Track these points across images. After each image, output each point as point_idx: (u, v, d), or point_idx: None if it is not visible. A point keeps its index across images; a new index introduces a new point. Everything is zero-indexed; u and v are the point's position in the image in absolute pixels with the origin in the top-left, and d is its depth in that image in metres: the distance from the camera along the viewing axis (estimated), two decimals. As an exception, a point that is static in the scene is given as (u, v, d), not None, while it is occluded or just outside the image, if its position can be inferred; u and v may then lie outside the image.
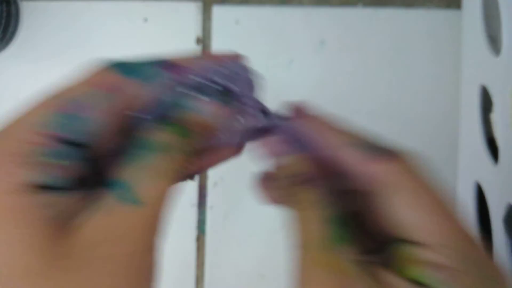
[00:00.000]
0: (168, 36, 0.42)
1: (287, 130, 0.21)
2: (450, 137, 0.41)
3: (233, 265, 0.42)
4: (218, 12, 0.42)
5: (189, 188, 0.42)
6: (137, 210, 0.17)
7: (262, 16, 0.42)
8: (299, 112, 0.22)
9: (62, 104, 0.17)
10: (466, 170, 0.38)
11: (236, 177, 0.42)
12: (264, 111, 0.21)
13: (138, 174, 0.17)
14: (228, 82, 0.21)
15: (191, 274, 0.42)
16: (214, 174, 0.42)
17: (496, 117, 0.33)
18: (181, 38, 0.42)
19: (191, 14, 0.42)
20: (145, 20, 0.42)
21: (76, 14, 0.42)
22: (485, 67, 0.34)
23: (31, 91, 0.42)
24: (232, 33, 0.42)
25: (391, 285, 0.18)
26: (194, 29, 0.42)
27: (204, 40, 0.42)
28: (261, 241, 0.42)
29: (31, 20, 0.42)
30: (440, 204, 0.19)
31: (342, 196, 0.22)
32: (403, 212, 0.18)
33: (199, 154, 0.21)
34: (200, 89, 0.20)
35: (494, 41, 0.34)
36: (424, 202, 0.18)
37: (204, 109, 0.20)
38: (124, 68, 0.18)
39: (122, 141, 0.20)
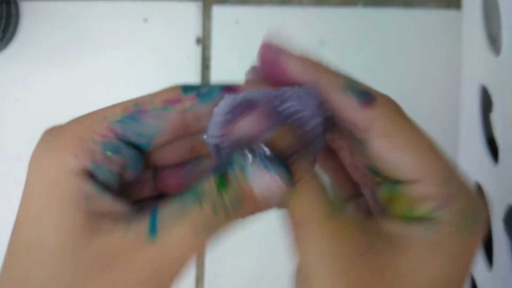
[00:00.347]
0: (168, 36, 0.42)
1: (264, 98, 0.20)
2: (450, 137, 0.41)
3: (233, 265, 0.42)
4: (218, 12, 0.42)
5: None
6: (147, 244, 0.17)
7: (262, 16, 0.42)
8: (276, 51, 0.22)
9: (127, 106, 0.19)
10: (466, 170, 0.38)
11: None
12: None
13: (168, 211, 0.18)
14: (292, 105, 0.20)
15: (191, 274, 0.42)
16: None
17: (496, 117, 0.33)
18: (181, 38, 0.42)
19: (191, 14, 0.42)
20: (145, 20, 0.42)
21: (76, 14, 0.42)
22: (485, 67, 0.34)
23: (31, 91, 0.42)
24: (232, 33, 0.42)
25: (389, 230, 0.18)
26: (194, 29, 0.42)
27: (204, 40, 0.42)
28: (261, 241, 0.41)
29: (31, 20, 0.42)
30: (422, 141, 0.19)
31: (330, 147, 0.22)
32: (391, 155, 0.19)
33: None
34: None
35: (494, 41, 0.34)
36: (406, 142, 0.19)
37: (257, 180, 0.19)
38: (186, 86, 0.20)
39: (186, 158, 0.21)
